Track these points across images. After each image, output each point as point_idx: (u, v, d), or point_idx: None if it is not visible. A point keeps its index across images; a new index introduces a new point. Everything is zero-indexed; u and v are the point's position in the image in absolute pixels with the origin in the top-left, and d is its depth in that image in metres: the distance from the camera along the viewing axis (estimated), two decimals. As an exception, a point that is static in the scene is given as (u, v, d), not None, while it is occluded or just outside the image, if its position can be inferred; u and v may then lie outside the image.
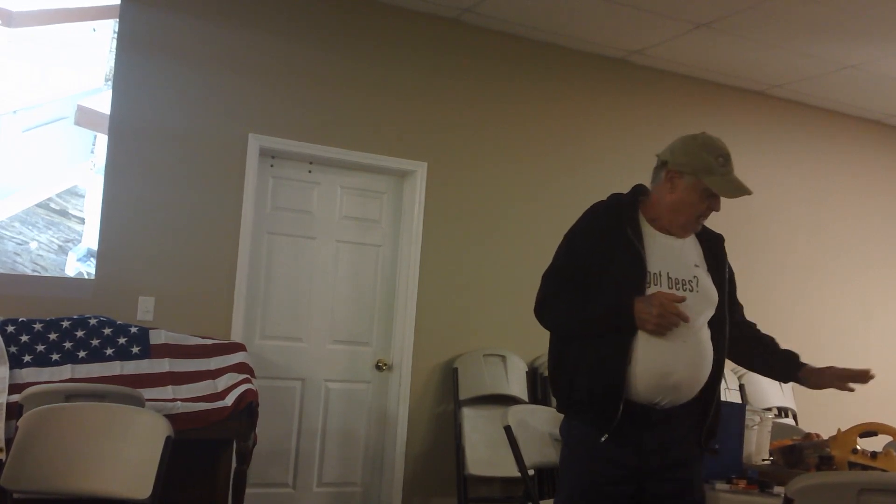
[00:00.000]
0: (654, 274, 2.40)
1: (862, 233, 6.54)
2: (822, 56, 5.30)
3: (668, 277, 2.41)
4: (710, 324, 2.47)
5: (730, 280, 2.57)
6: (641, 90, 5.68)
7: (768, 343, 2.68)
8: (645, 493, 2.40)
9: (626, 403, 2.35)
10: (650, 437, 2.38)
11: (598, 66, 5.59)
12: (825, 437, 3.01)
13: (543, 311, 2.51)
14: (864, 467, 2.81)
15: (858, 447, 2.86)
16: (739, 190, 2.45)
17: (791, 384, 5.79)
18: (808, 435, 3.15)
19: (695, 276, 2.46)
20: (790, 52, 5.28)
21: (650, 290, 2.36)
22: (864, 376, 2.54)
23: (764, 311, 5.87)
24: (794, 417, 5.78)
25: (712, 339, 2.46)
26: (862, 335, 6.43)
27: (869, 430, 3.03)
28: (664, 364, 2.35)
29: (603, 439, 2.37)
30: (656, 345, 2.35)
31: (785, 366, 2.65)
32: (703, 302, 2.44)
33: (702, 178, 2.42)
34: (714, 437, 2.50)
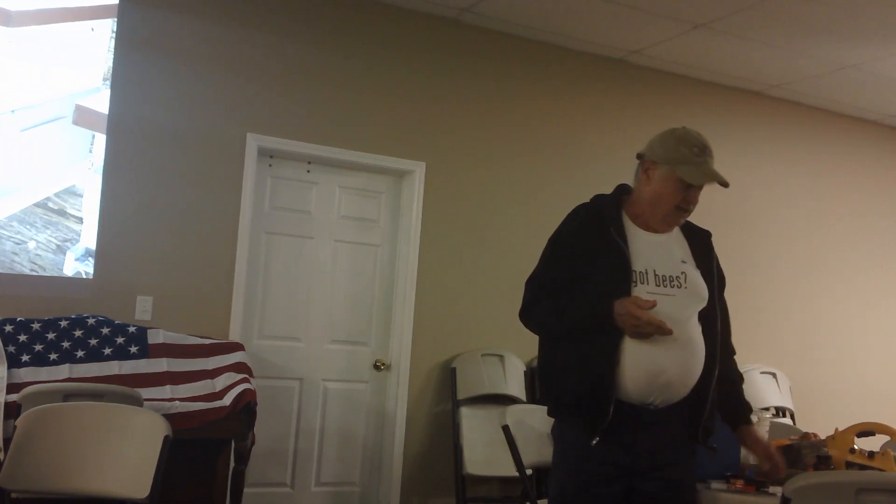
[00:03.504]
0: (640, 272, 2.39)
1: (860, 233, 6.55)
2: (821, 56, 5.30)
3: (655, 275, 2.40)
4: (701, 319, 2.46)
5: (719, 279, 2.54)
6: (640, 90, 5.69)
7: (730, 384, 2.58)
8: (635, 493, 2.39)
9: (617, 404, 2.34)
10: (644, 437, 2.37)
11: (597, 66, 5.59)
12: (823, 436, 3.01)
13: (528, 317, 2.54)
14: (862, 467, 2.81)
15: (856, 447, 2.85)
16: (709, 176, 2.41)
17: (788, 384, 5.86)
18: (806, 434, 3.14)
19: (682, 272, 2.44)
20: (789, 53, 5.29)
21: (636, 289, 2.36)
22: (775, 473, 2.50)
23: (762, 310, 5.93)
24: (792, 417, 5.78)
25: (703, 333, 2.45)
26: (860, 334, 6.43)
27: (866, 430, 3.02)
28: (654, 363, 2.34)
29: (594, 443, 2.35)
30: (646, 345, 2.34)
31: (731, 416, 2.57)
32: (691, 297, 2.44)
33: (675, 167, 2.42)
34: (712, 434, 2.48)
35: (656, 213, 2.47)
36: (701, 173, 2.41)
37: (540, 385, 2.56)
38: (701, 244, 2.55)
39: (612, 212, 2.48)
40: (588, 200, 2.59)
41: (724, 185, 2.44)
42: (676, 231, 2.54)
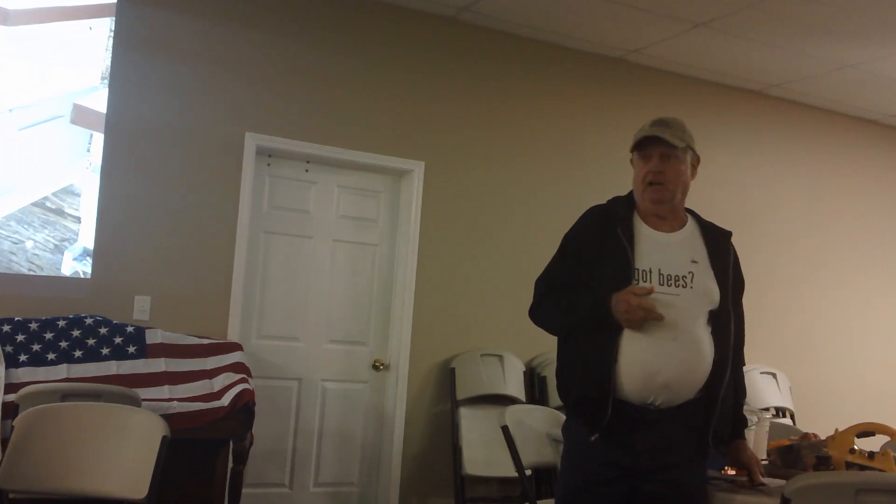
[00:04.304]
0: (643, 271, 2.40)
1: (859, 232, 6.55)
2: (821, 56, 5.29)
3: (660, 274, 2.40)
4: (712, 320, 2.44)
5: (735, 280, 2.52)
6: (639, 90, 5.68)
7: (730, 393, 2.53)
8: (638, 494, 2.38)
9: (617, 403, 2.34)
10: (645, 437, 2.36)
11: (596, 65, 5.58)
12: (823, 437, 3.00)
13: (536, 316, 2.59)
14: (862, 467, 2.79)
15: (856, 447, 2.84)
16: (643, 131, 2.45)
17: (788, 384, 5.85)
18: (806, 435, 3.13)
19: (690, 272, 2.43)
20: (789, 52, 5.28)
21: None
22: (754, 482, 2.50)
23: (762, 310, 5.92)
24: (792, 417, 5.78)
25: (713, 336, 2.42)
26: (860, 334, 6.43)
27: (866, 430, 3.01)
28: (651, 363, 2.33)
29: (593, 438, 2.37)
30: (643, 343, 2.34)
31: (724, 427, 2.52)
32: (698, 298, 2.42)
33: (634, 147, 2.51)
34: (724, 443, 2.47)
35: (639, 195, 2.51)
36: (640, 132, 2.47)
37: (557, 384, 2.59)
38: (719, 244, 2.54)
39: (623, 212, 2.50)
40: (594, 197, 2.64)
41: (663, 139, 2.43)
42: (693, 231, 2.54)
